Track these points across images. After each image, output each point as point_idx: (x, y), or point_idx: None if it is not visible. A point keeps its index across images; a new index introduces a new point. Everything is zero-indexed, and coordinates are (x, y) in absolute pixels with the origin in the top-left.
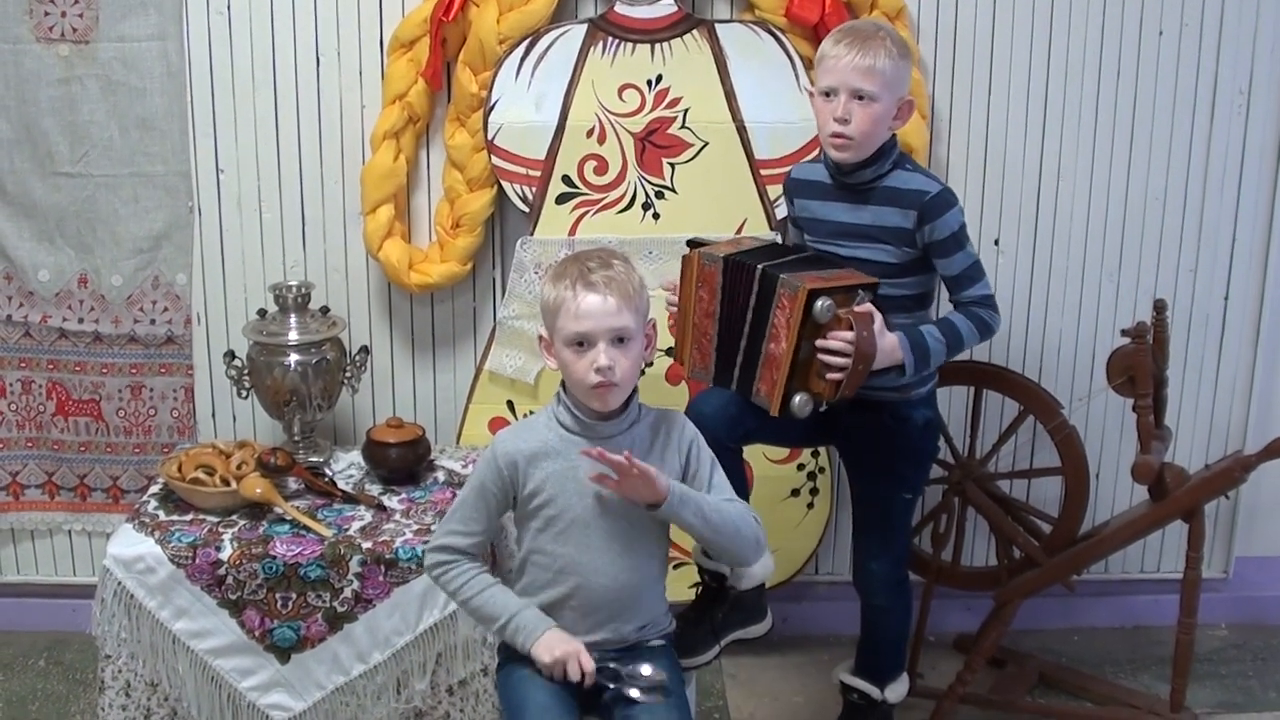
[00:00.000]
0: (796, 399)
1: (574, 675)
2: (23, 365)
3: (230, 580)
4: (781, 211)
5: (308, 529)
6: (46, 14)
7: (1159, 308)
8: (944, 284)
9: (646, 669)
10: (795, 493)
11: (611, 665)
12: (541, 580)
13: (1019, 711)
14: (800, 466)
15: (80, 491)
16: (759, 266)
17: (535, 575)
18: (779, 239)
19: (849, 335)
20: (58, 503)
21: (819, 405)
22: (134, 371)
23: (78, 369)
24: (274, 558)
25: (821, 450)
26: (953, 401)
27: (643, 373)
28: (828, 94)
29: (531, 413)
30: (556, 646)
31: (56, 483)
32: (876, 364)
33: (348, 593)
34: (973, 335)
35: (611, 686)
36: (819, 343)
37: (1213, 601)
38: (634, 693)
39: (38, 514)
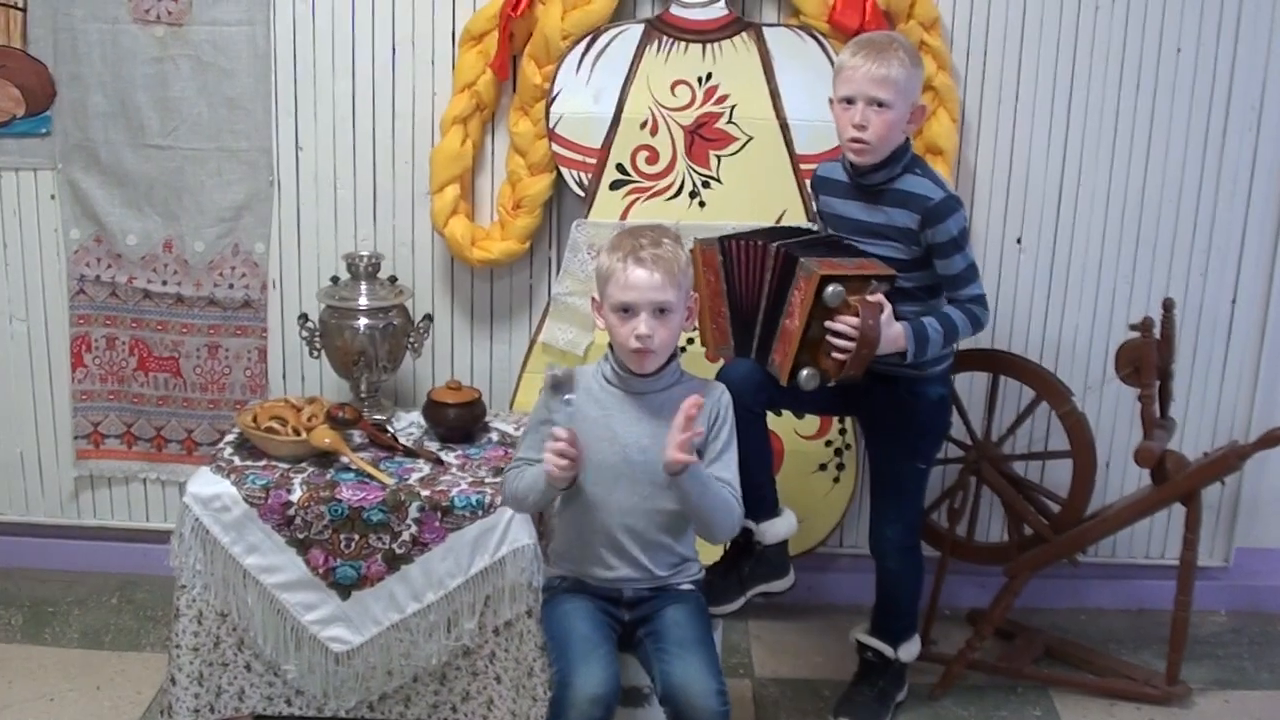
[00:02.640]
0: (804, 373)
1: (557, 447)
2: (108, 323)
3: (299, 520)
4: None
5: (371, 477)
6: None
7: (1167, 306)
8: (942, 282)
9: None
10: (823, 467)
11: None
12: (569, 516)
13: (1023, 678)
14: (828, 443)
15: (157, 442)
16: (773, 245)
17: (563, 512)
18: (798, 226)
19: (854, 320)
20: (135, 452)
21: (825, 381)
22: (212, 332)
23: (159, 328)
24: (340, 501)
25: (849, 428)
26: (972, 386)
27: (683, 349)
28: (847, 102)
29: None
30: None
31: (135, 434)
32: (881, 349)
33: (406, 536)
34: (966, 329)
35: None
36: (827, 324)
37: (1213, 589)
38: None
39: (116, 462)
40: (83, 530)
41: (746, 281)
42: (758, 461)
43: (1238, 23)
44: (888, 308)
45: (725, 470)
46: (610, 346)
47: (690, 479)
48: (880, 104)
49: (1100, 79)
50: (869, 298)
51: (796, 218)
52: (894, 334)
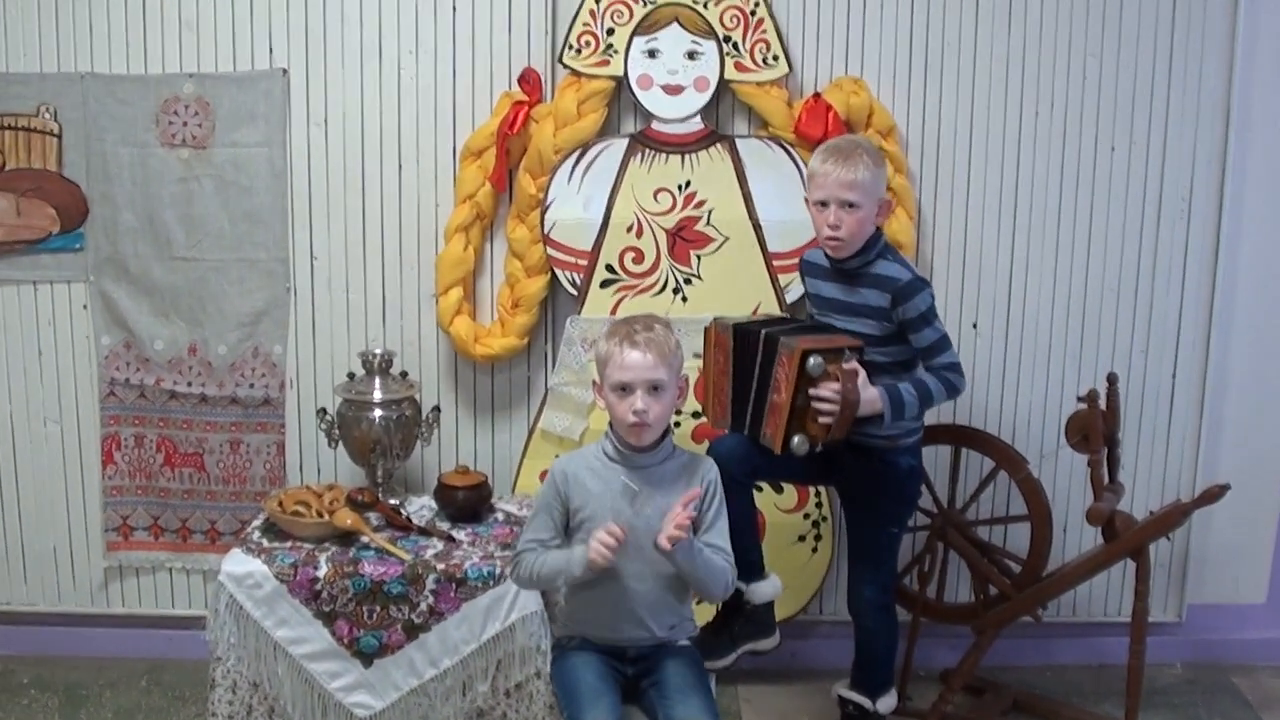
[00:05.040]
0: (795, 439)
1: (610, 542)
2: (137, 423)
3: (325, 595)
4: (790, 296)
5: (390, 554)
6: (170, 124)
7: (1111, 380)
8: (919, 354)
9: None
10: (801, 539)
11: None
12: (584, 586)
13: None
14: (806, 515)
15: (182, 533)
16: (763, 331)
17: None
18: (788, 316)
19: (836, 386)
20: (162, 543)
21: (814, 446)
22: (234, 429)
23: (185, 426)
24: (363, 576)
25: (824, 500)
26: (937, 458)
27: (678, 425)
28: (821, 204)
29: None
30: (590, 545)
31: (162, 525)
32: (860, 412)
33: (423, 606)
34: (941, 393)
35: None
36: (811, 392)
37: (1168, 643)
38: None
39: (143, 553)
40: (112, 618)
41: (746, 366)
42: (745, 527)
43: (1165, 123)
44: (862, 373)
45: (719, 537)
46: (610, 425)
47: (680, 553)
48: (850, 205)
49: (1043, 176)
50: (845, 366)
51: (770, 309)
52: (871, 397)
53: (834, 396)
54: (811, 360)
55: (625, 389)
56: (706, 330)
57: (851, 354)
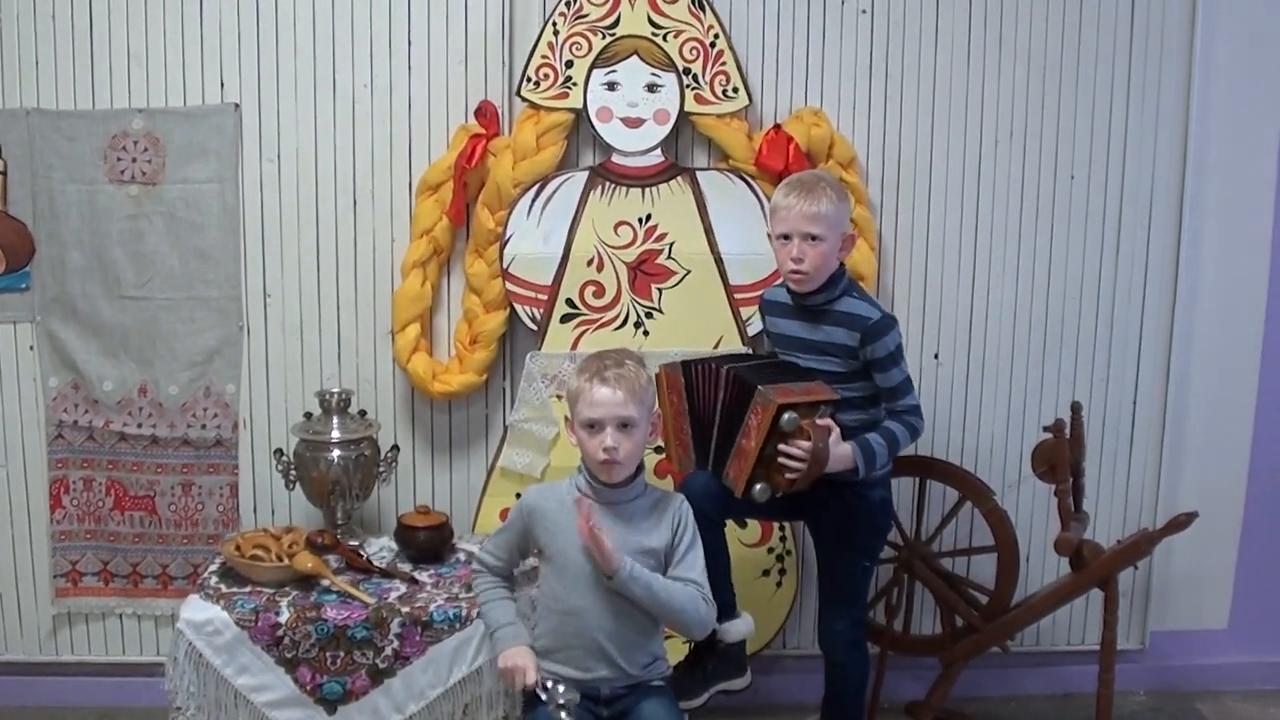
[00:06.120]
0: (757, 487)
1: (516, 687)
2: (85, 465)
3: (287, 640)
4: (752, 329)
5: (353, 597)
6: (119, 160)
7: (1075, 408)
8: (880, 393)
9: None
10: (765, 573)
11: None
12: (552, 622)
13: None
14: (770, 550)
15: (133, 578)
16: (725, 368)
17: (547, 617)
18: (748, 351)
19: (807, 445)
20: (112, 589)
21: (775, 494)
22: (185, 470)
23: (135, 468)
24: (325, 620)
25: (788, 534)
26: (901, 490)
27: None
28: (784, 238)
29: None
30: (510, 659)
31: (111, 570)
32: (831, 468)
33: (388, 651)
34: (906, 438)
35: None
36: (782, 447)
37: (1132, 671)
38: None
39: (93, 599)
40: (62, 666)
41: (704, 402)
42: (716, 566)
43: (1124, 151)
44: (835, 430)
45: (691, 570)
46: (583, 461)
47: (629, 583)
48: (813, 238)
49: (1003, 205)
50: (819, 421)
51: (732, 343)
52: (842, 453)
53: (803, 455)
54: (786, 417)
55: (595, 426)
56: (657, 377)
57: (826, 409)
